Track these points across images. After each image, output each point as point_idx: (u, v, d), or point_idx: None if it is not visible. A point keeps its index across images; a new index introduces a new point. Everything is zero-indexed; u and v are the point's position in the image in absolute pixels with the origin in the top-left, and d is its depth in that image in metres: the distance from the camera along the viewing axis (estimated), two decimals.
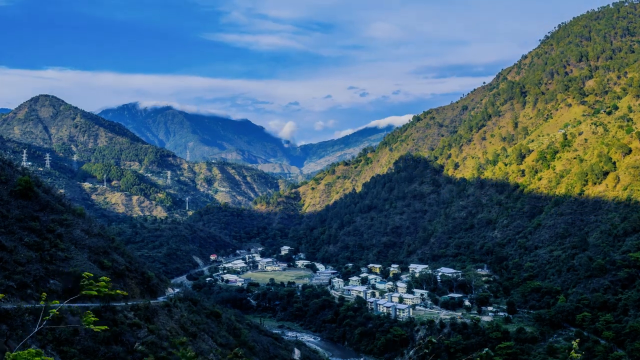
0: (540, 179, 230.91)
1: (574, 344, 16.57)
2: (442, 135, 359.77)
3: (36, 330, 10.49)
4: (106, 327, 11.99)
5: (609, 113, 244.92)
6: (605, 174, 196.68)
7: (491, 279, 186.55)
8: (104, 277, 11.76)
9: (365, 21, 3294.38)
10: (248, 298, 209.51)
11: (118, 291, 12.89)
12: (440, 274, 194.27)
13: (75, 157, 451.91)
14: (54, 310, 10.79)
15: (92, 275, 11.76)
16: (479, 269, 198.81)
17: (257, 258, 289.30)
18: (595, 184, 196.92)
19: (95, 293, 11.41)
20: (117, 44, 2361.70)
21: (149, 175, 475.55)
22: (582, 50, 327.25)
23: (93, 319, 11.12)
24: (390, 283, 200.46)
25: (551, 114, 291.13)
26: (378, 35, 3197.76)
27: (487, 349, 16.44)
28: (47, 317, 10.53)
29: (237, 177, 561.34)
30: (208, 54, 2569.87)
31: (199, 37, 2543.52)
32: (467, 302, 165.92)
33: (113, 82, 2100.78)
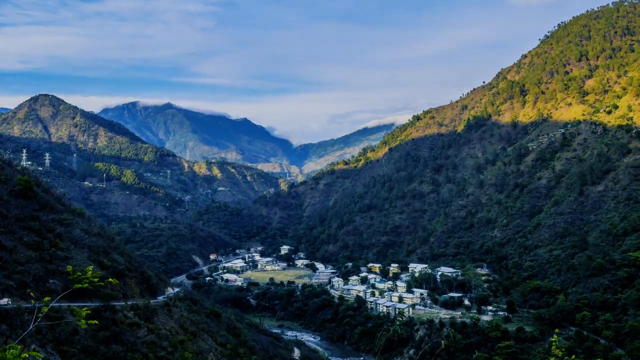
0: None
1: (554, 338, 16.27)
2: (442, 135, 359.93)
3: (31, 328, 10.47)
4: (96, 321, 11.94)
5: (609, 112, 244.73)
6: (605, 173, 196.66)
7: (491, 279, 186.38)
8: (89, 268, 11.73)
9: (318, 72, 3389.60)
10: (248, 297, 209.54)
11: (110, 280, 12.92)
12: (439, 273, 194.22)
13: (74, 157, 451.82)
14: (45, 307, 10.76)
15: (71, 269, 11.72)
16: (478, 269, 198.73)
17: (257, 257, 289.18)
18: (594, 183, 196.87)
19: (87, 285, 11.35)
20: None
21: (149, 174, 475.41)
22: (582, 49, 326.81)
23: (86, 312, 11.08)
24: (390, 282, 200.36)
25: (551, 113, 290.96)
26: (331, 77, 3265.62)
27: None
28: (40, 315, 10.50)
29: (237, 177, 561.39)
30: (182, 89, 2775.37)
31: (171, 80, 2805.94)
32: (466, 302, 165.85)
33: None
